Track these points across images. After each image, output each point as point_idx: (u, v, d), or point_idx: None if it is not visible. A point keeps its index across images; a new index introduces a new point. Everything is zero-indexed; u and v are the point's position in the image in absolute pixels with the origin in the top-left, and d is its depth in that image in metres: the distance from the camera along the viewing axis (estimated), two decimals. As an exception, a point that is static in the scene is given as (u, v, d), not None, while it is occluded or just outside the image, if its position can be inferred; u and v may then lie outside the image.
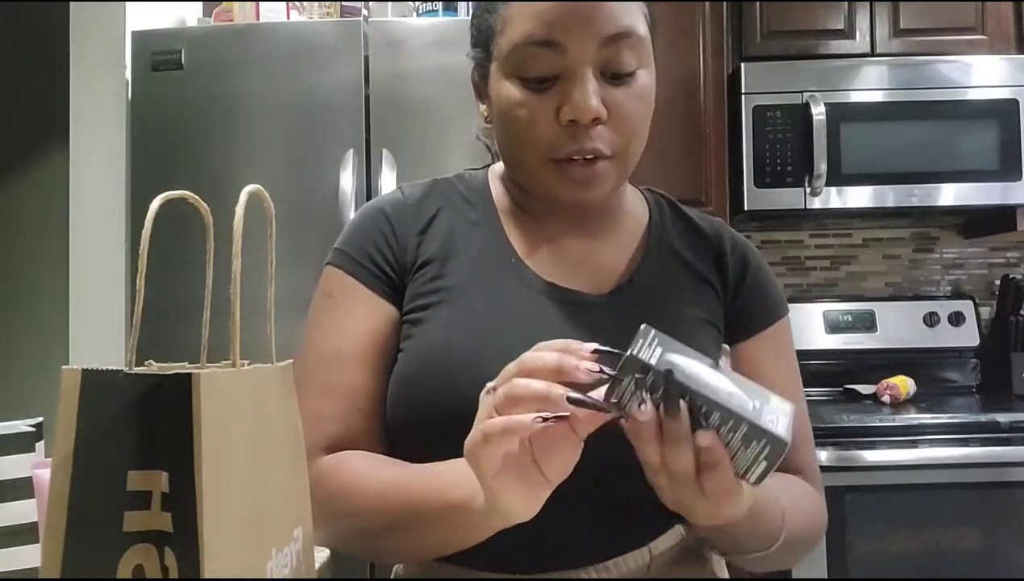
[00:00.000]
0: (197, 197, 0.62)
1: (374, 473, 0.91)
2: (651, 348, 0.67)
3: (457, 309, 0.95)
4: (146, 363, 0.61)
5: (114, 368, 0.58)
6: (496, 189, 1.06)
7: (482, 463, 0.70)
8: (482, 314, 0.95)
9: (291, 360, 0.69)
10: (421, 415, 0.92)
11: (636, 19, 0.93)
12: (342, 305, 0.99)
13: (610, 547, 0.92)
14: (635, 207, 1.08)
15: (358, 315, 0.98)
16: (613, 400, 0.67)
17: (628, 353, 0.66)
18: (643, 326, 0.68)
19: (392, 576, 1.07)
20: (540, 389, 0.67)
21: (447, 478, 0.81)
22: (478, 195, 1.05)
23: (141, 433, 0.57)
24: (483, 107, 1.03)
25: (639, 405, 0.66)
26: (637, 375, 0.66)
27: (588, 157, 0.92)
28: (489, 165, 1.11)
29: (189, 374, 0.56)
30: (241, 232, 0.59)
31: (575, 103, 0.89)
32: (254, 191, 0.61)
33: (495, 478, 0.69)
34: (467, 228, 1.02)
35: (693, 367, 0.67)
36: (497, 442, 0.68)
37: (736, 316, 1.05)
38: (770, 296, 1.07)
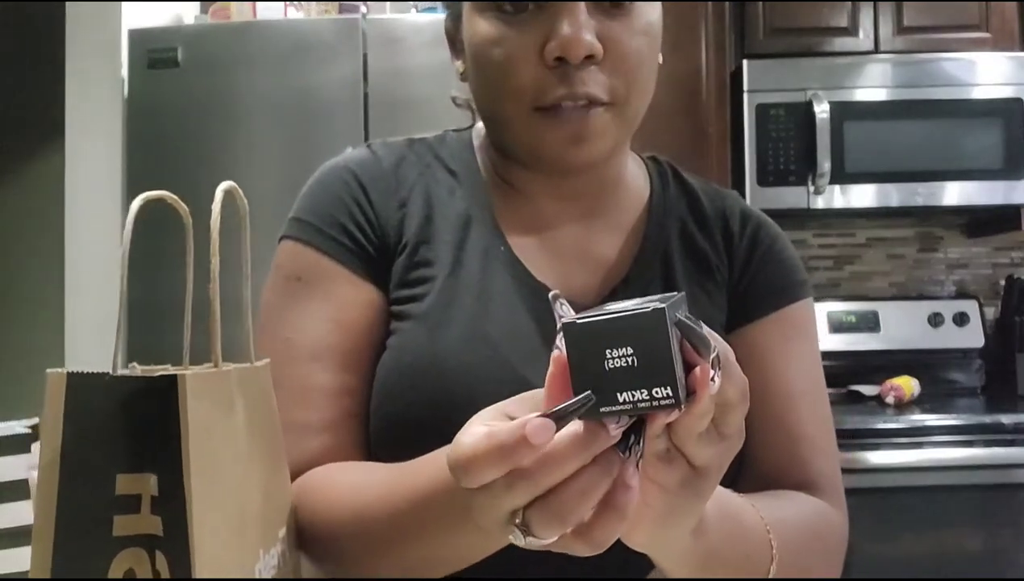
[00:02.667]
0: (176, 197, 0.61)
1: (365, 484, 0.75)
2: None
3: (441, 307, 0.82)
4: (130, 366, 0.60)
5: (100, 371, 0.57)
6: (482, 157, 0.92)
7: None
8: (469, 315, 0.82)
9: (268, 359, 0.67)
10: (402, 430, 0.80)
11: None
12: (317, 290, 0.83)
13: None
14: (636, 180, 0.93)
15: (340, 302, 0.83)
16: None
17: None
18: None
19: None
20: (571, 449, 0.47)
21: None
22: (462, 164, 0.91)
23: (128, 436, 0.57)
24: (458, 62, 0.89)
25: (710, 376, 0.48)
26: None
27: (580, 104, 0.77)
28: (472, 126, 0.97)
29: (175, 376, 0.55)
30: (218, 229, 0.57)
31: (563, 37, 0.75)
32: (228, 188, 0.60)
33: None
34: (450, 204, 0.88)
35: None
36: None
37: (743, 294, 0.90)
38: (783, 276, 0.92)
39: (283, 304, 0.84)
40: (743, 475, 0.85)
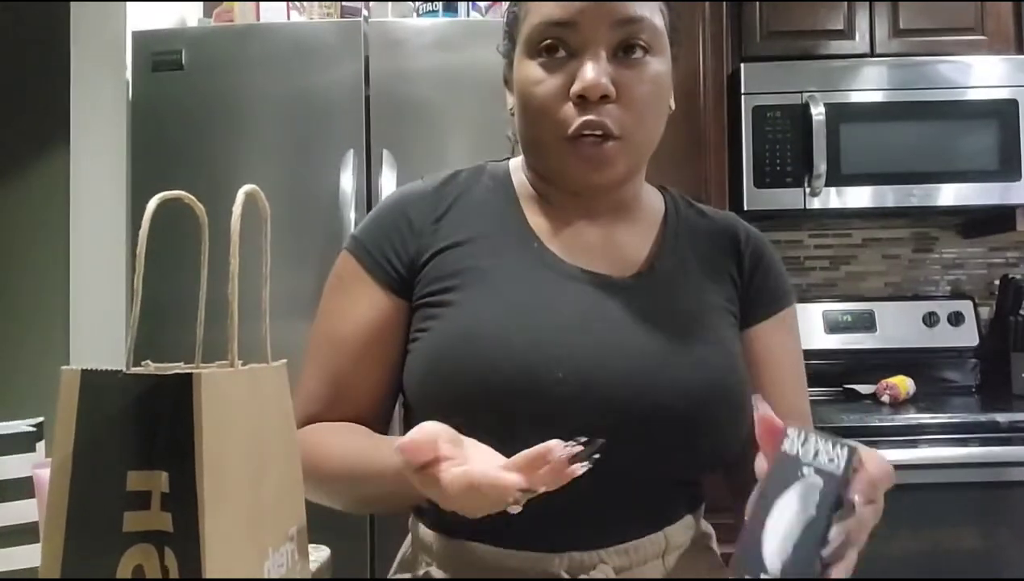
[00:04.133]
0: (193, 197, 0.62)
1: (333, 443, 0.98)
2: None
3: (483, 289, 0.98)
4: (143, 364, 0.61)
5: (113, 368, 0.58)
6: (517, 178, 1.09)
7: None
8: (509, 293, 0.97)
9: (285, 360, 0.69)
10: (452, 389, 0.94)
11: (652, 11, 0.98)
12: (347, 289, 1.04)
13: (627, 530, 0.96)
14: (651, 201, 1.11)
15: (360, 302, 1.02)
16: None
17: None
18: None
19: (399, 558, 1.09)
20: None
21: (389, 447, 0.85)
22: (499, 183, 1.09)
23: (141, 433, 0.57)
24: (510, 98, 1.06)
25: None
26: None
27: (597, 134, 0.95)
28: (508, 158, 1.15)
29: (189, 374, 0.56)
30: (239, 232, 0.59)
31: (584, 79, 0.94)
32: (250, 191, 0.61)
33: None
34: (488, 213, 1.05)
35: None
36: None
37: (751, 300, 1.08)
38: (781, 283, 1.11)
39: (326, 296, 1.06)
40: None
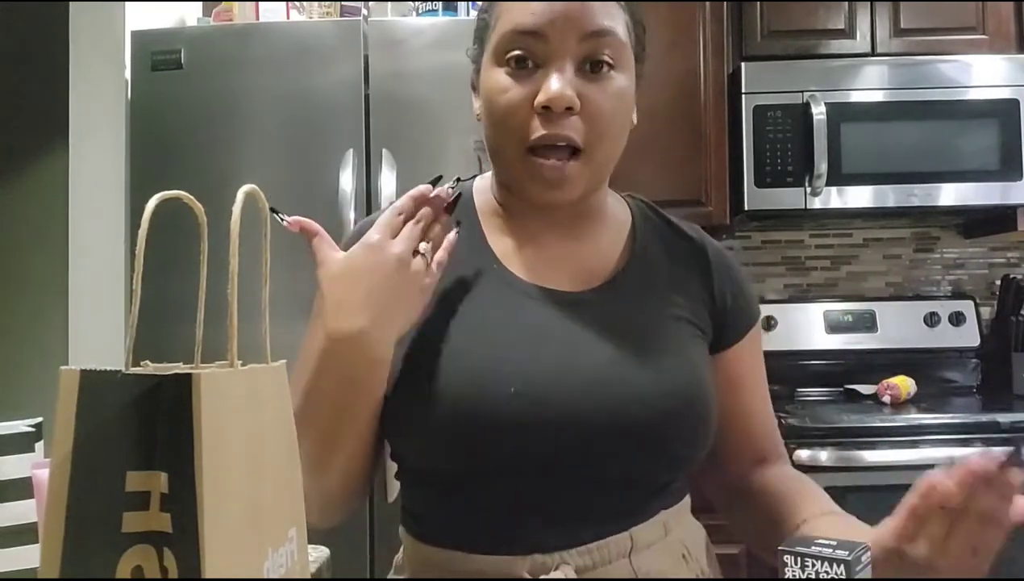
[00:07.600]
0: (192, 197, 0.62)
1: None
2: None
3: (442, 314, 0.99)
4: (142, 364, 0.60)
5: (112, 368, 0.57)
6: (480, 199, 1.11)
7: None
8: (466, 314, 0.99)
9: (284, 360, 0.69)
10: (409, 406, 0.95)
11: (618, 24, 0.98)
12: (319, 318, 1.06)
13: (590, 532, 0.95)
14: (617, 212, 1.11)
15: None
16: None
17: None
18: None
19: (395, 564, 1.09)
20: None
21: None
22: (462, 205, 1.08)
23: (140, 433, 0.57)
24: (477, 104, 1.06)
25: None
26: None
27: (560, 145, 0.96)
28: (475, 176, 1.16)
29: (189, 374, 0.55)
30: (238, 232, 0.58)
31: (549, 91, 0.94)
32: (250, 191, 0.61)
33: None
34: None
35: None
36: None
37: (725, 325, 1.09)
38: (750, 302, 1.13)
39: (311, 318, 1.07)
40: (732, 452, 1.13)
